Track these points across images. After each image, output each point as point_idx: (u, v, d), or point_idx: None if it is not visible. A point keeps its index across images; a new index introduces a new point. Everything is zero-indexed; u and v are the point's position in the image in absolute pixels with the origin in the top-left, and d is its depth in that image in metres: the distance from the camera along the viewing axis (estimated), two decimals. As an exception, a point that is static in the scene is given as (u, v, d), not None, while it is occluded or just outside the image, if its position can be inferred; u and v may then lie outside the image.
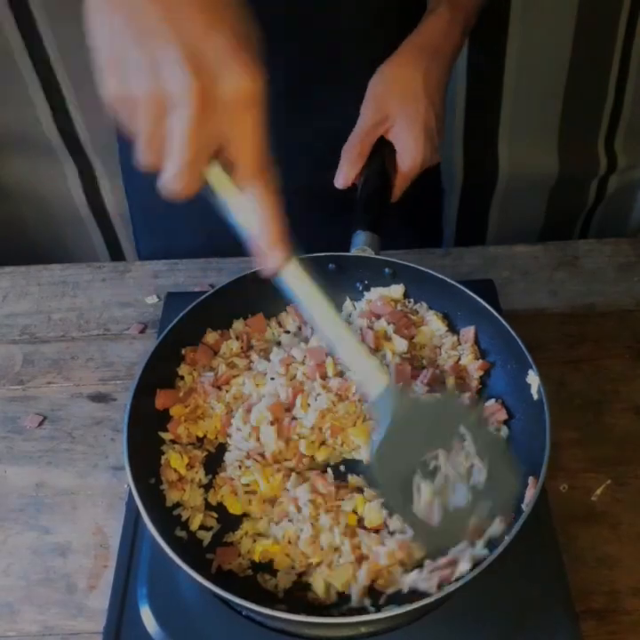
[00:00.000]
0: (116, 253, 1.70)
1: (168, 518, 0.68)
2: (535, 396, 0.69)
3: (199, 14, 0.46)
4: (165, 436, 0.73)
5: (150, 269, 1.04)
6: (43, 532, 0.77)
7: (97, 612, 0.70)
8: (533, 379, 0.70)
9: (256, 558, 0.66)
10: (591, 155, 1.57)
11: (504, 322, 0.73)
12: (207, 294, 0.79)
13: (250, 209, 0.52)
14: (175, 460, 0.71)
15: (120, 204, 1.59)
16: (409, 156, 0.83)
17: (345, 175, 0.84)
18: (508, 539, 0.58)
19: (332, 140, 1.00)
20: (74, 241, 1.66)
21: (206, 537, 0.68)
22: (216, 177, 0.52)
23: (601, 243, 1.06)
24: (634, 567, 0.72)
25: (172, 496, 0.70)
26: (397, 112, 0.83)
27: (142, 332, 0.96)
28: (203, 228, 1.00)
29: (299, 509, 0.66)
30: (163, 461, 0.71)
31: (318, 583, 0.63)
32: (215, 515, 0.70)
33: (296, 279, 0.56)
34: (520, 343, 0.71)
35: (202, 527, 0.69)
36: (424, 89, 0.82)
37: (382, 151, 0.84)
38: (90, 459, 0.83)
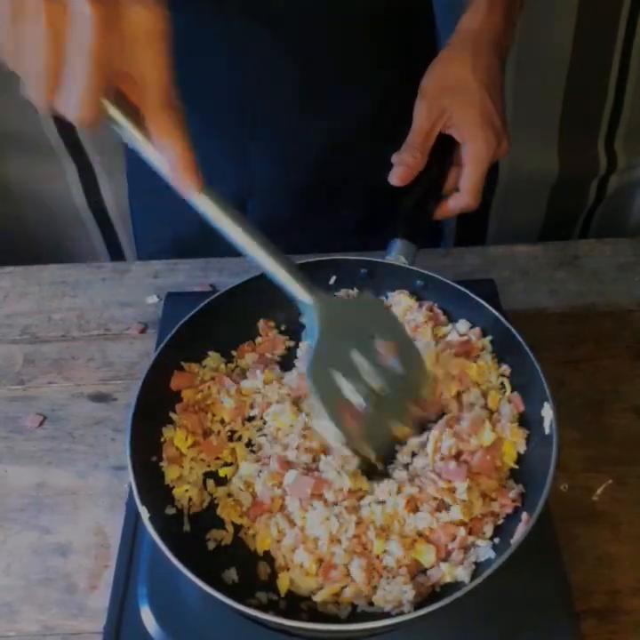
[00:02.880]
0: (116, 253, 1.71)
1: (163, 495, 0.68)
2: (547, 431, 0.68)
3: None
4: (174, 416, 0.74)
5: (150, 269, 1.04)
6: (43, 532, 0.77)
7: (97, 612, 0.70)
8: (548, 412, 0.68)
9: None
10: (591, 155, 1.57)
11: (533, 357, 0.71)
12: (256, 276, 0.79)
13: (155, 142, 0.52)
14: (180, 440, 0.71)
15: (120, 204, 1.59)
16: (470, 142, 0.82)
17: (403, 173, 0.82)
18: (494, 566, 0.58)
19: (342, 139, 1.01)
20: (74, 241, 1.67)
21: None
22: (119, 109, 0.51)
23: (601, 243, 1.06)
24: (634, 567, 0.72)
25: (171, 473, 0.70)
26: (451, 102, 0.82)
27: (142, 332, 0.96)
28: (203, 228, 1.00)
29: (292, 525, 0.66)
30: (166, 439, 0.72)
31: (283, 582, 0.64)
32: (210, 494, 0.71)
33: (211, 208, 0.56)
34: (543, 379, 0.69)
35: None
36: (473, 76, 0.82)
37: (431, 159, 0.83)
38: (90, 459, 0.83)
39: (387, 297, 0.83)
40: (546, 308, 0.97)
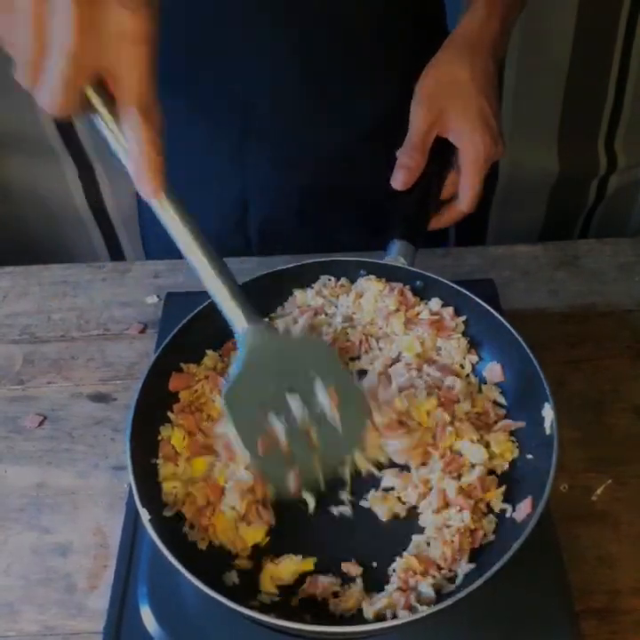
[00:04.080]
0: (116, 253, 1.70)
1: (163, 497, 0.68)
2: (548, 431, 0.68)
3: None
4: (172, 416, 0.73)
5: (150, 269, 1.04)
6: (43, 532, 0.77)
7: (97, 612, 0.70)
8: (548, 413, 0.68)
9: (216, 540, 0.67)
10: (591, 155, 1.57)
11: (533, 357, 0.71)
12: (259, 276, 0.79)
13: (127, 139, 0.53)
14: (177, 439, 0.71)
15: (120, 204, 1.59)
16: (468, 147, 0.82)
17: (405, 176, 0.82)
18: (494, 568, 0.58)
19: (344, 147, 1.01)
20: (74, 241, 1.66)
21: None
22: (96, 101, 0.52)
23: (601, 243, 1.06)
24: (634, 566, 0.72)
25: (165, 471, 0.69)
26: (449, 105, 0.82)
27: (142, 331, 0.96)
28: (211, 229, 1.01)
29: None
30: (163, 437, 0.71)
31: (266, 578, 0.64)
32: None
33: (168, 216, 0.56)
34: (543, 379, 0.69)
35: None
36: (471, 79, 0.82)
37: (431, 164, 0.83)
38: (90, 459, 0.83)
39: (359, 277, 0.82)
40: (546, 308, 0.97)
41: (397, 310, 0.79)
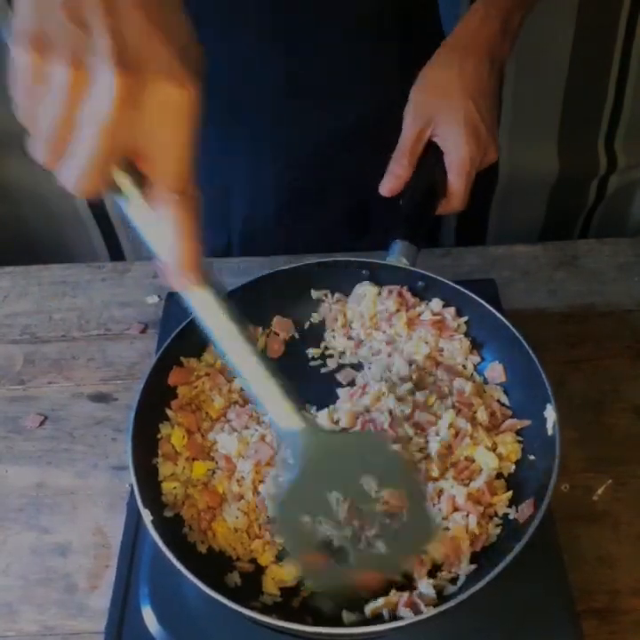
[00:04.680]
0: (116, 253, 1.70)
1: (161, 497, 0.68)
2: (550, 432, 0.68)
3: (138, 9, 0.41)
4: (171, 414, 0.73)
5: (150, 269, 1.04)
6: (42, 532, 0.77)
7: (97, 612, 0.70)
8: (550, 413, 0.68)
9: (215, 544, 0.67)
10: (591, 155, 1.57)
11: (535, 358, 0.71)
12: (260, 276, 0.80)
13: (161, 226, 0.47)
14: (176, 438, 0.71)
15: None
16: (453, 151, 0.82)
17: (392, 183, 0.83)
18: (497, 569, 0.58)
19: (329, 149, 1.01)
20: (74, 241, 1.66)
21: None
22: (125, 183, 0.47)
23: (601, 243, 1.06)
24: (634, 567, 0.72)
25: (165, 470, 0.69)
26: (437, 111, 0.82)
27: (143, 331, 0.96)
28: (210, 226, 1.01)
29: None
30: (163, 436, 0.71)
31: (268, 579, 0.64)
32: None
33: (207, 308, 0.51)
34: (545, 380, 0.69)
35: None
36: (459, 85, 0.82)
37: (430, 162, 0.83)
38: (90, 459, 0.83)
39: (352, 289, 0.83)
40: (546, 308, 0.97)
41: (398, 310, 0.79)
